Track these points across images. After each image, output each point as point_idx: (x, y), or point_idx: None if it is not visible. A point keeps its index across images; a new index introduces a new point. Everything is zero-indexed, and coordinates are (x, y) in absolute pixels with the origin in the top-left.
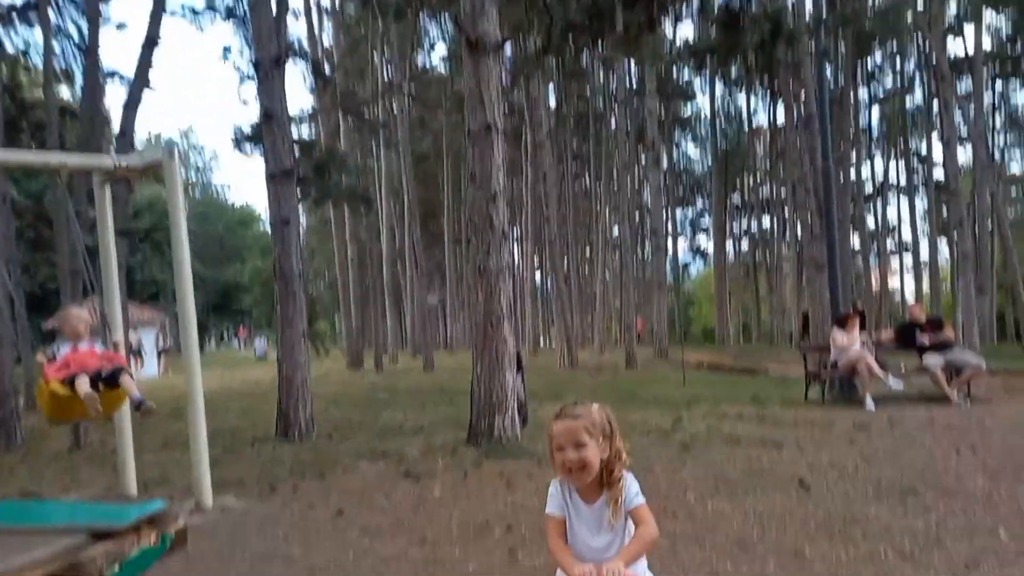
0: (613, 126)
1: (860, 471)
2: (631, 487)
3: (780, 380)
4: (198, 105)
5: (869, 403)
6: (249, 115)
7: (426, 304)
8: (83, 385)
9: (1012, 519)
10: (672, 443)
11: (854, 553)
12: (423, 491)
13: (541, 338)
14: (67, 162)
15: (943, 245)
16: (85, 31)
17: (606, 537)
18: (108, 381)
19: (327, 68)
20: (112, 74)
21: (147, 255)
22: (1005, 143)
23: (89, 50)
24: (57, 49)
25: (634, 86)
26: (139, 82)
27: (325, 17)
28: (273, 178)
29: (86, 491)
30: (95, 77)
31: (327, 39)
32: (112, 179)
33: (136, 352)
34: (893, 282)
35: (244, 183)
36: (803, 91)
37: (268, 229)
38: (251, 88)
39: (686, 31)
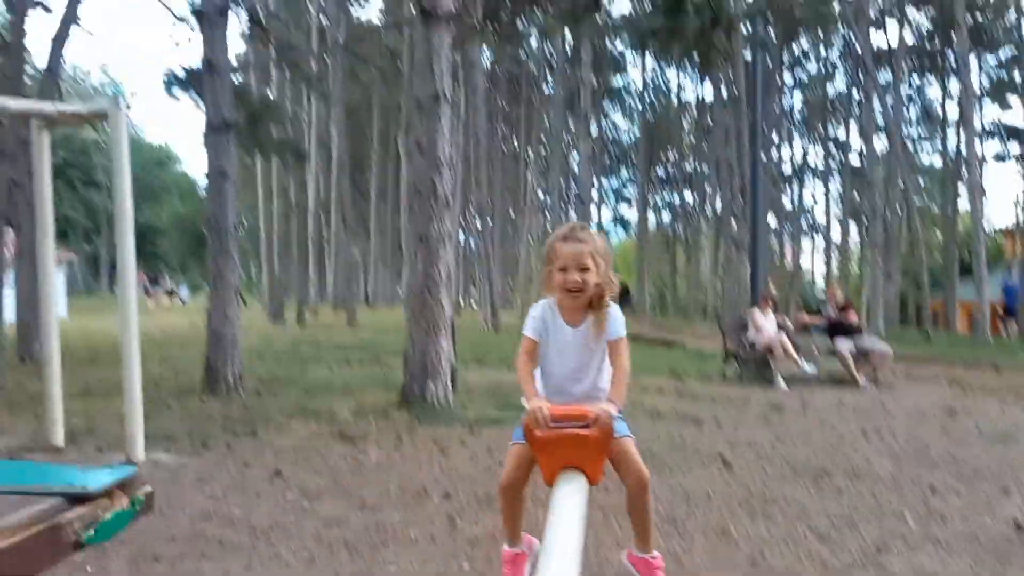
0: (546, 91)
1: (776, 450)
2: (617, 317)
3: (697, 354)
4: (118, 40)
5: (781, 383)
6: (177, 58)
7: (351, 258)
8: None
9: (917, 503)
10: None
11: (775, 532)
12: (358, 454)
13: (462, 299)
14: (8, 106)
15: (854, 232)
16: None
17: (583, 359)
18: None
19: (263, 15)
20: (36, 4)
21: (59, 191)
22: (918, 135)
23: None
24: None
25: (568, 54)
26: (68, 16)
27: None
28: (212, 129)
29: (9, 439)
30: (23, 7)
31: None
32: (52, 126)
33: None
34: (804, 262)
35: (163, 121)
36: (732, 73)
37: (185, 170)
38: (183, 30)
39: (623, 5)
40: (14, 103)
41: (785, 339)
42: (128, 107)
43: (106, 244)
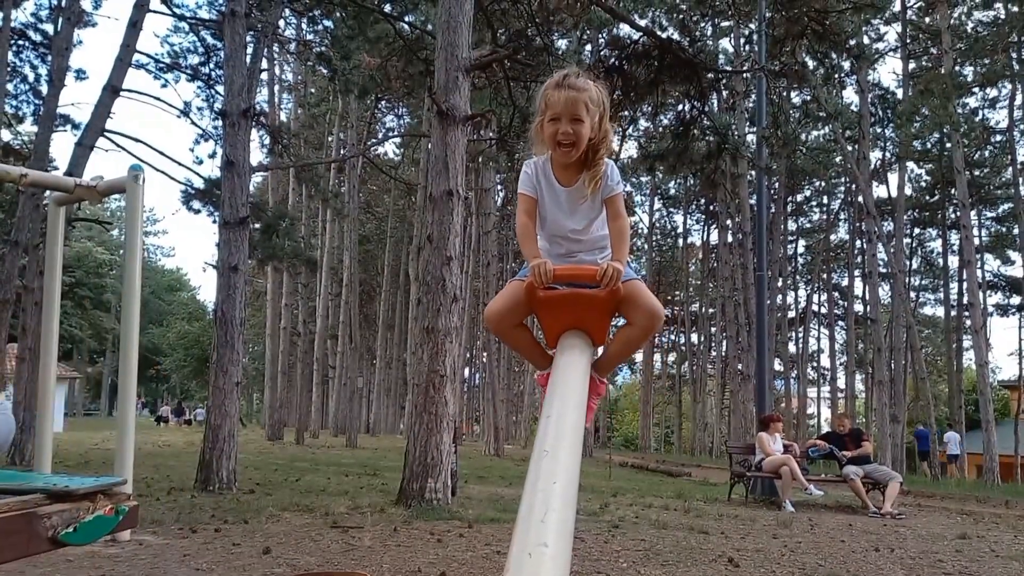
0: None
1: (785, 557)
2: (613, 174)
3: (702, 483)
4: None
5: (788, 506)
6: (195, 174)
7: (355, 384)
8: None
9: None
10: (602, 522)
11: None
12: (352, 540)
13: (464, 433)
14: (28, 174)
15: (859, 381)
16: (42, 73)
17: (580, 221)
18: None
19: (284, 137)
20: (65, 118)
21: (67, 311)
22: (919, 284)
23: (47, 98)
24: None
25: None
26: (94, 128)
27: (286, 95)
28: (227, 224)
29: None
30: (49, 123)
31: (284, 115)
32: (69, 201)
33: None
34: (810, 409)
35: (178, 245)
36: (740, 213)
37: (197, 294)
38: (206, 147)
39: (630, 148)
40: (34, 173)
41: (792, 463)
42: (144, 180)
43: (109, 367)
